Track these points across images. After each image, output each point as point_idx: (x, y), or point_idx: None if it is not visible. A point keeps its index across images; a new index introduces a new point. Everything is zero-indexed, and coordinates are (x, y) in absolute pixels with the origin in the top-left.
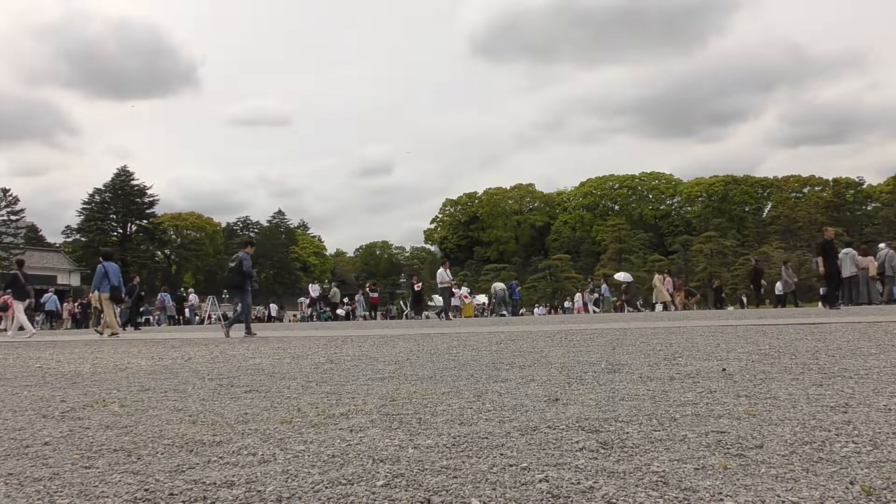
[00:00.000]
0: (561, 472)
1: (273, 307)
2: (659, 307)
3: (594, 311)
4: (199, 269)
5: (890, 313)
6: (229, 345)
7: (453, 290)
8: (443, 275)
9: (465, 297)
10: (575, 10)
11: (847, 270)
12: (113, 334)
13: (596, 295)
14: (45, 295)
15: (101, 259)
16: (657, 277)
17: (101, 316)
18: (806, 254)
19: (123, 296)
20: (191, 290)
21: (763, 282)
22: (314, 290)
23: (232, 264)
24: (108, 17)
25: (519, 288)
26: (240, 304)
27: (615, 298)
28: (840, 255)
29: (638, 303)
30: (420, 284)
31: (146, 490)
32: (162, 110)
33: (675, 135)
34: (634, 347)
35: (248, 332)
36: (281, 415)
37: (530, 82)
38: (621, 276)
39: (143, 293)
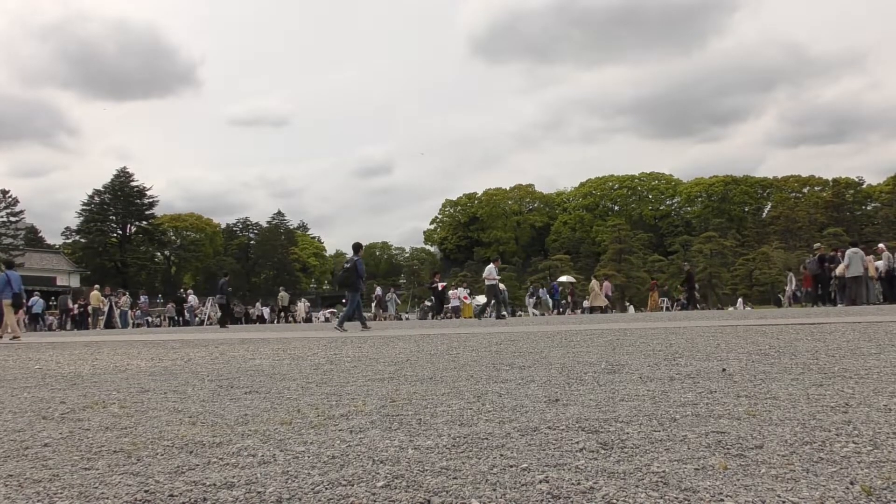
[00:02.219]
0: (561, 472)
1: (265, 309)
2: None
3: (534, 314)
4: (199, 270)
5: (890, 313)
6: (229, 346)
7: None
8: (492, 271)
9: (465, 298)
10: (575, 10)
11: (855, 270)
12: (14, 338)
13: (535, 298)
14: (32, 298)
15: (3, 267)
16: (594, 282)
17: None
18: (805, 254)
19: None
20: (190, 291)
21: (696, 285)
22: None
23: (347, 265)
24: (107, 17)
25: (561, 289)
26: (350, 302)
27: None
28: (848, 255)
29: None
30: (444, 284)
31: (146, 491)
32: (161, 111)
33: (674, 135)
34: (634, 348)
35: (364, 325)
36: (281, 416)
37: (530, 82)
38: (565, 279)
39: (230, 289)
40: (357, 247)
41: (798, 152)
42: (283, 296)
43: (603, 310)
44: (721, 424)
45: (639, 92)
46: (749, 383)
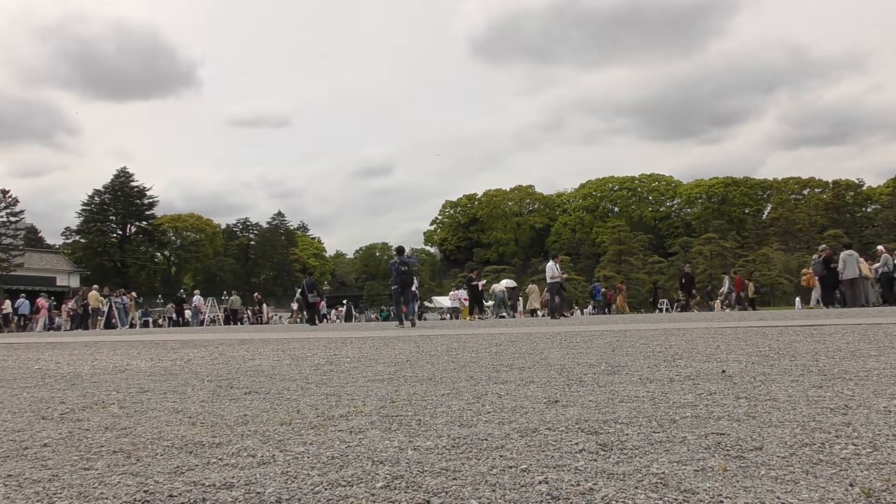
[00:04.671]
0: (560, 473)
1: (249, 312)
2: (539, 312)
3: (479, 318)
4: (199, 270)
5: (889, 315)
6: (229, 346)
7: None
8: (553, 268)
9: (465, 299)
10: (575, 11)
11: (851, 272)
12: None
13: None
14: (18, 300)
15: None
16: (531, 287)
17: None
18: (805, 255)
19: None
20: (196, 291)
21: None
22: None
23: (405, 268)
24: (107, 17)
25: (603, 290)
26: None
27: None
28: (843, 257)
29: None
30: (483, 282)
31: (145, 492)
32: (162, 111)
33: (675, 136)
34: (634, 349)
35: (413, 322)
36: (280, 416)
37: (530, 83)
38: (507, 283)
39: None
40: (402, 249)
41: (798, 154)
42: (234, 300)
43: (532, 313)
44: (721, 426)
45: (639, 93)
46: (749, 385)
